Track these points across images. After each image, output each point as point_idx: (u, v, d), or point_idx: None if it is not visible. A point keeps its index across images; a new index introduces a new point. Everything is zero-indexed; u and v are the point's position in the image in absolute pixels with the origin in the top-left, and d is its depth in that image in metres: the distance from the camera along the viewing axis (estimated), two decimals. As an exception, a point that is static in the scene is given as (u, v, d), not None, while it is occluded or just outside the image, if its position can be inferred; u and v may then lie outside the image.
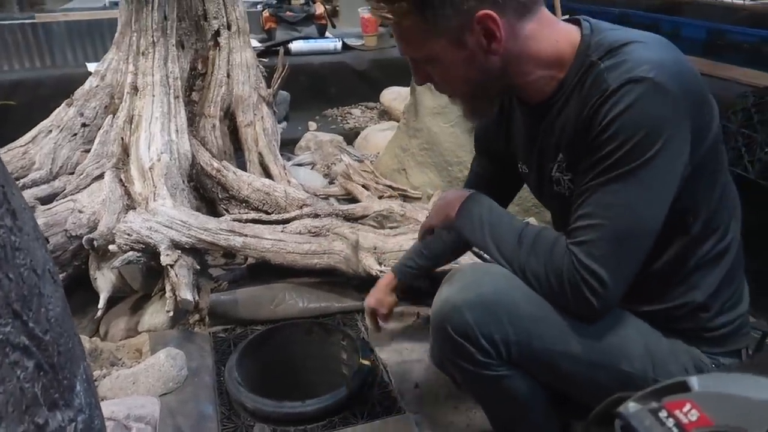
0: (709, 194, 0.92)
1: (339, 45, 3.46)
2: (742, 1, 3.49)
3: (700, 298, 0.95)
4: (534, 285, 0.93)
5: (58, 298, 0.65)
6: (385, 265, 1.69)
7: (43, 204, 1.86)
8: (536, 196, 1.14)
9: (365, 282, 1.77)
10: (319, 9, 3.58)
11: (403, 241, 1.75)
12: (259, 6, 4.20)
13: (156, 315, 1.70)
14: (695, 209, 0.92)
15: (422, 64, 0.95)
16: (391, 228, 1.89)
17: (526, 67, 0.92)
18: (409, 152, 2.34)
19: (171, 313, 1.58)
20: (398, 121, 2.76)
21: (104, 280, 1.77)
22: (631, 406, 0.49)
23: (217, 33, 2.38)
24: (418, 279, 1.45)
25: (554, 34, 0.92)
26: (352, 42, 3.61)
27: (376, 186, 2.24)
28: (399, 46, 0.94)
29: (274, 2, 3.55)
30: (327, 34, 3.65)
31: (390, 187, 2.23)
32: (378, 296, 1.40)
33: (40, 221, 1.74)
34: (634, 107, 0.81)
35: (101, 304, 1.71)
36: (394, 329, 1.68)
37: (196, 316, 1.73)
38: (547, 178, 1.01)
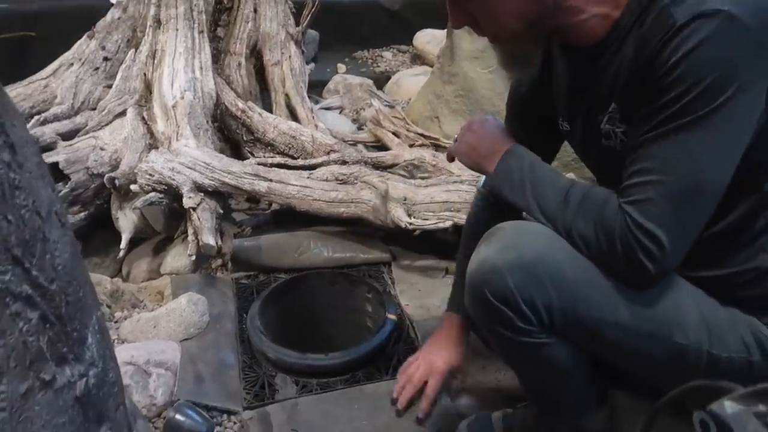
0: None
1: (372, -18, 3.28)
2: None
3: None
4: (581, 248, 0.84)
5: (66, 243, 0.58)
6: (414, 217, 1.61)
7: (64, 140, 1.81)
8: (580, 155, 1.04)
9: (393, 233, 1.70)
10: (352, -57, 3.39)
11: (434, 193, 1.66)
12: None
13: (178, 258, 1.66)
14: (765, 163, 0.81)
15: (464, 2, 0.84)
16: (421, 178, 1.80)
17: (579, 2, 0.82)
18: (442, 99, 2.22)
19: (193, 257, 1.54)
20: (432, 66, 2.63)
21: (126, 221, 1.73)
22: (728, 406, 0.41)
23: (245, -36, 2.25)
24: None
25: None
26: (385, -20, 3.43)
27: (407, 134, 2.13)
28: None
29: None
30: (359, -30, 3.46)
31: (422, 135, 2.12)
32: (455, 354, 1.16)
33: (61, 157, 1.69)
34: (705, 45, 0.71)
35: (123, 244, 1.68)
36: (421, 284, 1.62)
37: (219, 261, 1.69)
38: (594, 132, 0.90)
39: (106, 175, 1.69)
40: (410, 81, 2.74)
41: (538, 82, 1.04)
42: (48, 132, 1.78)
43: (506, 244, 0.87)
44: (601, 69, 0.86)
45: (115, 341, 1.35)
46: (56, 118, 1.89)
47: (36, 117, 1.85)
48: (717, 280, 0.88)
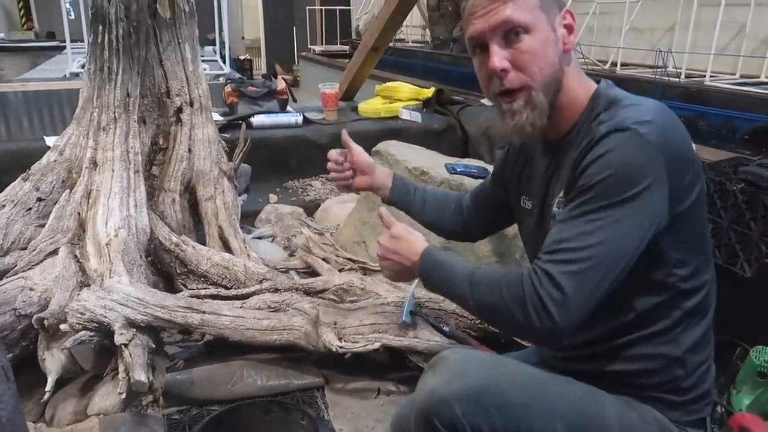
0: (692, 249, 0.98)
1: (300, 119, 3.54)
2: (677, 79, 3.78)
3: (678, 352, 1.00)
4: (494, 318, 1.01)
5: (10, 396, 0.63)
6: (344, 341, 1.69)
7: (-9, 281, 1.80)
8: (529, 235, 1.20)
9: (325, 357, 1.76)
10: (281, 84, 3.69)
11: (363, 316, 1.76)
12: (221, 79, 4.29)
13: (107, 397, 1.63)
14: (682, 261, 0.97)
15: (520, 32, 0.98)
16: (351, 302, 1.90)
17: (568, 82, 1.03)
18: (368, 225, 2.39)
19: (123, 395, 1.52)
20: (358, 193, 2.81)
21: (53, 361, 1.70)
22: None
23: (180, 110, 2.43)
24: (405, 198, 1.58)
25: (581, 74, 1.06)
26: (312, 116, 3.71)
27: (337, 259, 2.26)
28: (500, 14, 0.98)
29: (237, 77, 3.64)
30: (288, 108, 3.74)
31: (350, 260, 2.25)
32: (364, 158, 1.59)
33: (-13, 300, 1.68)
34: (613, 152, 0.90)
35: (48, 386, 1.64)
36: (354, 407, 1.66)
37: (150, 397, 1.67)
38: (548, 214, 1.09)
39: (35, 316, 1.68)
40: (338, 208, 2.91)
41: (515, 162, 1.26)
42: (-25, 275, 1.77)
43: (452, 374, 0.97)
44: (559, 162, 1.07)
45: (38, 492, 1.29)
46: (-16, 260, 1.89)
47: (-37, 260, 1.84)
48: (633, 373, 1.03)
